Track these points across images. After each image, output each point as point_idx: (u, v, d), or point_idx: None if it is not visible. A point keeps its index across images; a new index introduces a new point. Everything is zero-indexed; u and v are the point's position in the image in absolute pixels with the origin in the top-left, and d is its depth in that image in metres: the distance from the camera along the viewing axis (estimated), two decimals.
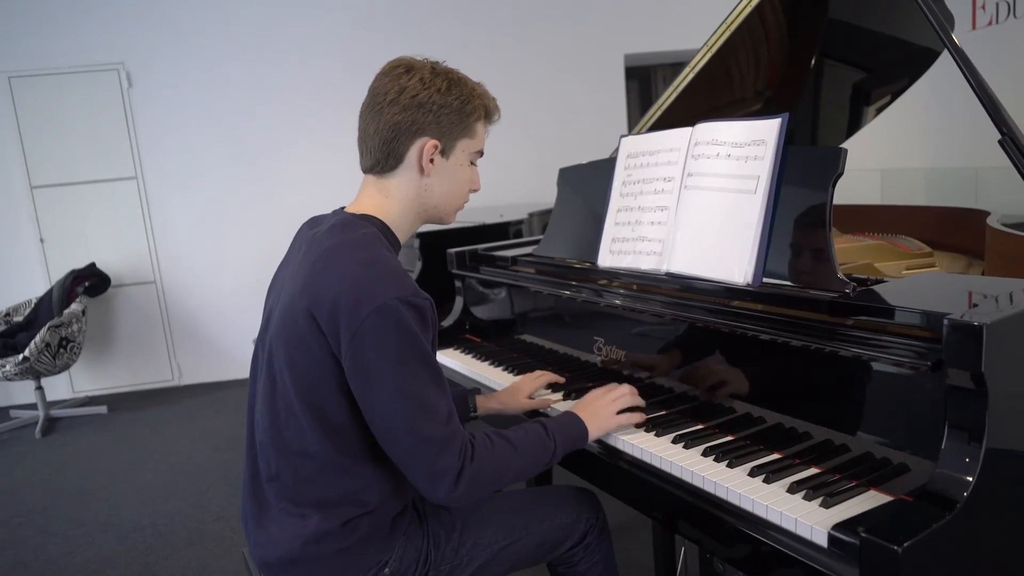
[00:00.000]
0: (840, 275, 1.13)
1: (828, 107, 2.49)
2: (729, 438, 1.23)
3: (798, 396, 1.17)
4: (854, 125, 2.47)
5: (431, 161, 1.17)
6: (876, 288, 1.15)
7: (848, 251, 1.86)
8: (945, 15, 1.62)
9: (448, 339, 2.11)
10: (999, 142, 1.26)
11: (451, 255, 2.15)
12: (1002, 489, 0.88)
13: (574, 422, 1.24)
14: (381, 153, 1.16)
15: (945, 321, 0.86)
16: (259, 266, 4.43)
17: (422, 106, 1.14)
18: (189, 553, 2.51)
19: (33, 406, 4.20)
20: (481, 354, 1.93)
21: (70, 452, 3.73)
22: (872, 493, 0.99)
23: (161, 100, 4.48)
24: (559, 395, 1.54)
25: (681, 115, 2.10)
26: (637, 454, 1.23)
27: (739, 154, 1.34)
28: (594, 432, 1.25)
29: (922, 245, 1.94)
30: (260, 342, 1.19)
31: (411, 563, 1.16)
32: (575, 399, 1.54)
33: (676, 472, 1.15)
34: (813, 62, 2.35)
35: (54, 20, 4.31)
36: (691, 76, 1.93)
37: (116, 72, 4.40)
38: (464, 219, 3.15)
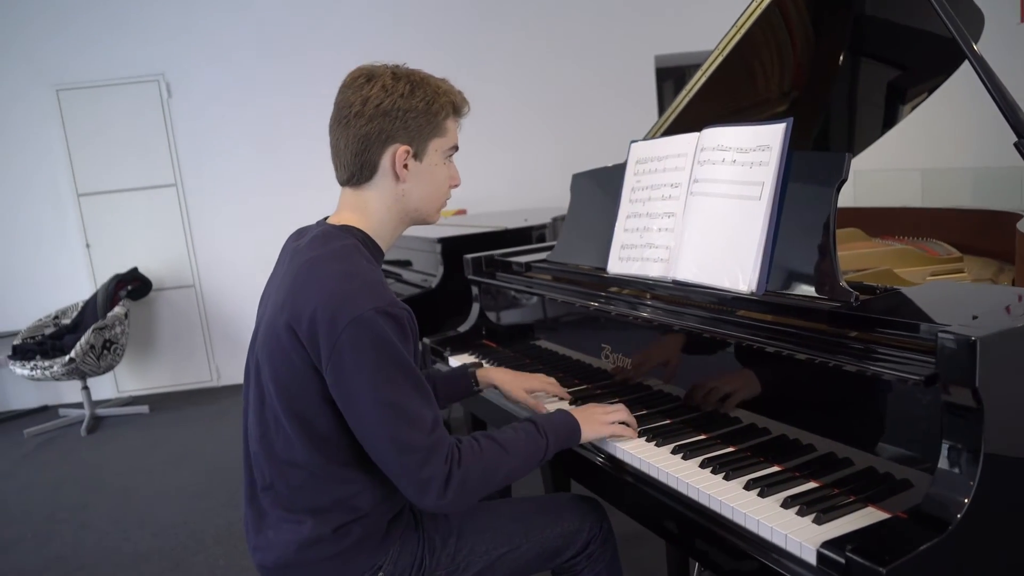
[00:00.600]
0: (843, 284, 1.10)
1: (862, 106, 2.42)
2: (730, 449, 1.21)
3: (800, 408, 1.15)
4: (889, 123, 2.39)
5: (405, 167, 1.17)
6: (883, 297, 1.12)
7: (869, 256, 1.81)
8: (968, 16, 1.56)
9: (464, 344, 2.12)
10: (1015, 144, 1.22)
11: (467, 261, 2.16)
12: (999, 510, 0.85)
13: (567, 419, 1.24)
14: (354, 166, 1.18)
15: (939, 334, 0.84)
16: None
17: (387, 114, 1.14)
18: (216, 551, 2.58)
19: (80, 405, 4.36)
20: (493, 359, 1.94)
21: (112, 450, 3.86)
22: (870, 510, 0.96)
23: (199, 109, 4.60)
24: (555, 406, 1.54)
25: (700, 118, 2.07)
26: (636, 464, 1.22)
27: (744, 160, 1.32)
28: (587, 432, 1.25)
29: (951, 249, 1.88)
30: (250, 354, 1.21)
31: (405, 568, 1.17)
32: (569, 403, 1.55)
33: (672, 483, 1.13)
34: (841, 60, 2.29)
35: (98, 35, 4.47)
36: (704, 79, 1.90)
37: (157, 83, 4.55)
38: (487, 223, 3.17)
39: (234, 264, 4.79)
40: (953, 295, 1.16)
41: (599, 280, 1.63)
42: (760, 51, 2.19)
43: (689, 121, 2.06)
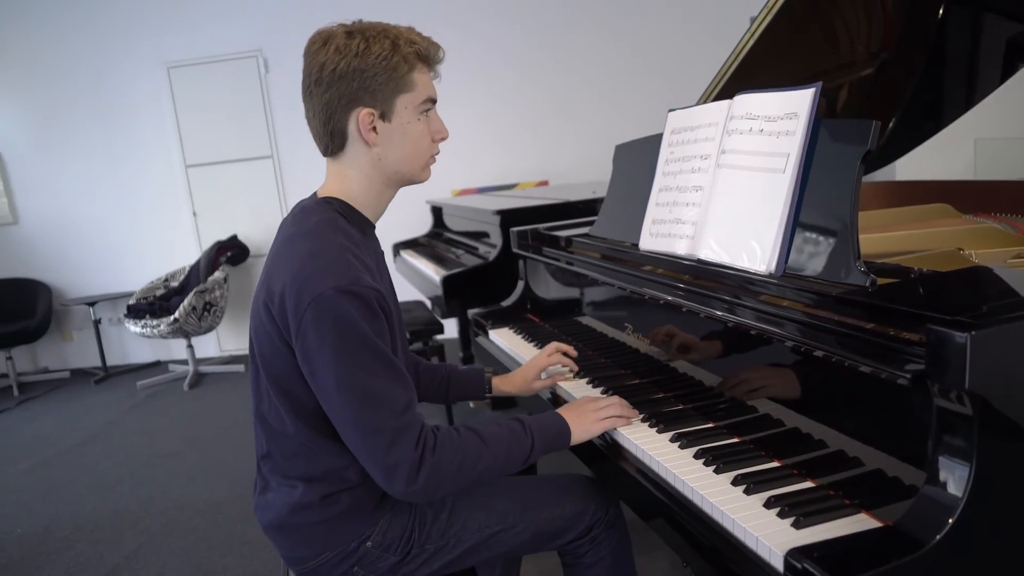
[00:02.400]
0: (858, 266, 0.99)
1: (967, 66, 2.16)
2: (733, 440, 1.13)
3: (814, 400, 1.05)
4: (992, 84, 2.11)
5: (373, 130, 1.12)
6: (908, 283, 1.00)
7: (939, 236, 1.63)
8: None
9: (507, 318, 2.11)
10: None
11: (513, 234, 2.13)
12: (988, 533, 0.74)
13: (556, 421, 1.20)
14: (326, 136, 1.14)
15: (929, 328, 0.74)
16: (384, 238, 4.65)
17: (344, 77, 1.08)
18: None
19: (185, 362, 4.73)
20: (528, 334, 1.91)
21: (208, 404, 4.17)
22: (862, 517, 0.88)
23: (293, 84, 4.77)
24: (570, 375, 1.52)
25: (767, 83, 1.93)
26: (631, 448, 1.18)
27: (772, 129, 1.21)
28: (577, 433, 1.20)
29: None
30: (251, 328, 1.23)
31: (394, 539, 1.18)
32: (585, 379, 1.51)
33: (660, 472, 1.08)
34: (941, 13, 2.05)
35: (203, 14, 4.73)
36: (755, 37, 1.74)
37: (255, 59, 4.77)
38: (555, 196, 3.11)
39: None
40: (999, 283, 1.02)
41: (630, 257, 1.56)
42: (842, 5, 2.00)
43: (753, 84, 1.92)
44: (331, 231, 1.10)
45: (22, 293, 4.97)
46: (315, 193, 1.23)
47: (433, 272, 3.03)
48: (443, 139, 1.23)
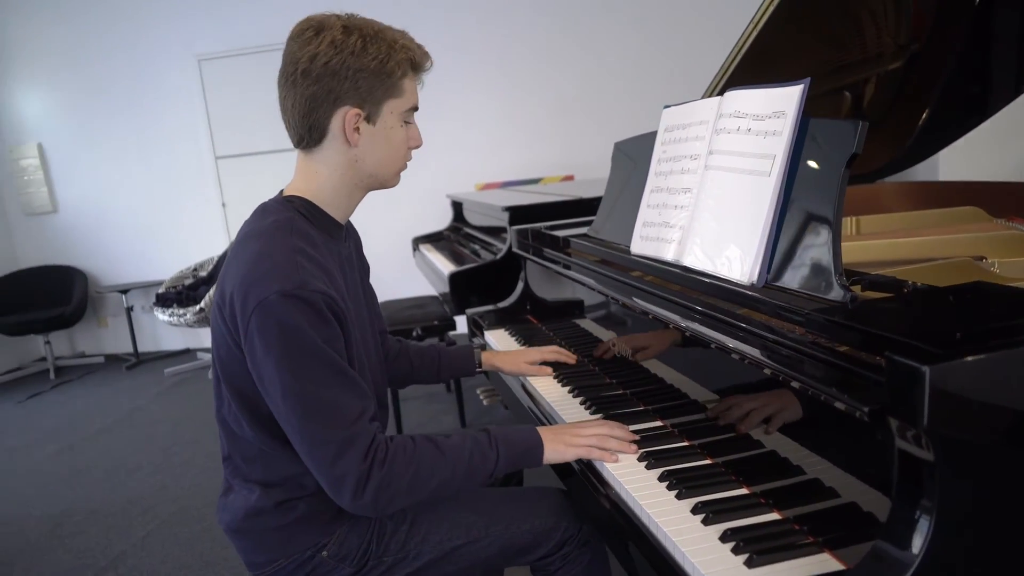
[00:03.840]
0: (837, 280, 0.91)
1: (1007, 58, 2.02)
2: (705, 462, 1.06)
3: (794, 421, 0.98)
4: None
5: (356, 130, 1.08)
6: (895, 300, 0.91)
7: (958, 242, 1.52)
8: None
9: (506, 319, 2.06)
10: None
11: (512, 233, 2.08)
12: None
13: (528, 436, 1.13)
14: (302, 128, 1.09)
15: (887, 357, 0.66)
16: (404, 231, 4.65)
17: (336, 73, 1.04)
18: None
19: (210, 350, 4.80)
20: (523, 337, 1.86)
21: None
22: (824, 557, 0.81)
23: None
24: (551, 371, 1.49)
25: (786, 74, 1.83)
26: (597, 467, 1.11)
27: (759, 128, 1.13)
28: (549, 452, 1.13)
29: None
30: None
31: (351, 550, 1.14)
32: (564, 384, 1.46)
33: (621, 494, 1.01)
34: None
35: (234, 7, 4.77)
36: (761, 24, 1.64)
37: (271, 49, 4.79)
38: (566, 192, 3.04)
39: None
40: (997, 302, 0.92)
41: (621, 261, 1.50)
42: None
43: (767, 77, 1.82)
44: (284, 233, 1.06)
45: (60, 279, 5.12)
46: (281, 191, 1.19)
47: (443, 268, 2.99)
48: (417, 147, 1.20)
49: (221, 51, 4.83)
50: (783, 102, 1.08)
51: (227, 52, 4.83)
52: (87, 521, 2.72)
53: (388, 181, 1.18)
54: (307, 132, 1.10)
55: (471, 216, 3.75)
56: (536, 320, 2.03)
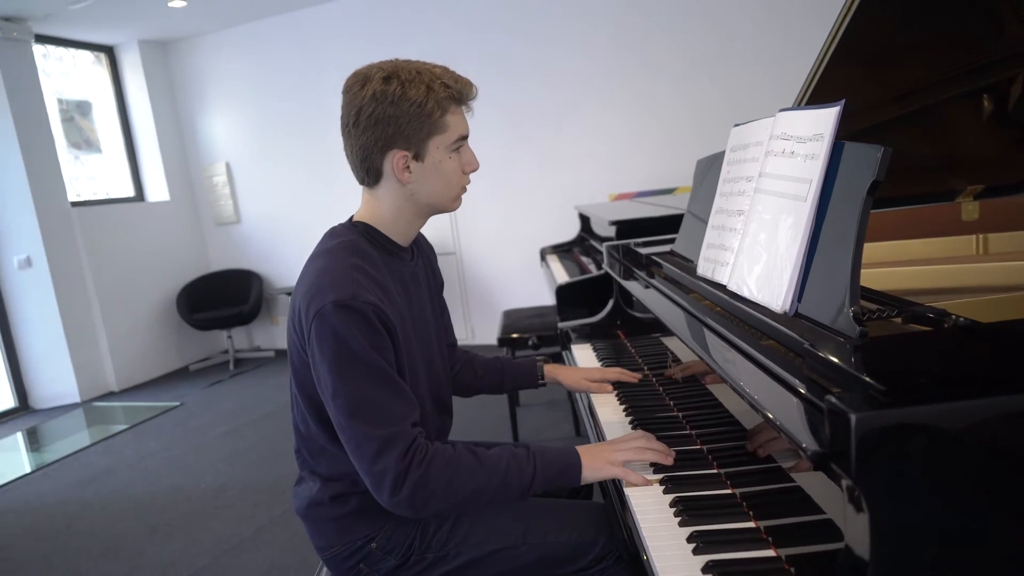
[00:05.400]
0: (849, 312, 0.87)
1: None
2: (725, 492, 1.05)
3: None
4: None
5: (407, 170, 1.19)
6: (912, 337, 0.86)
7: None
8: None
9: (596, 333, 2.09)
10: None
11: (606, 249, 2.10)
12: None
13: (566, 454, 1.17)
14: (362, 171, 1.22)
15: (826, 400, 0.64)
16: (537, 241, 4.79)
17: (379, 122, 1.15)
18: None
19: None
20: (605, 356, 1.88)
21: None
22: None
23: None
24: (611, 388, 1.51)
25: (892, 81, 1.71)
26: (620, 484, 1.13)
27: (801, 151, 1.10)
28: (587, 471, 1.16)
29: None
30: None
31: (398, 544, 1.25)
32: (621, 403, 1.47)
33: (633, 512, 1.03)
34: None
35: (380, 28, 5.17)
36: (848, 20, 1.53)
37: None
38: (678, 205, 2.98)
39: (489, 234, 5.23)
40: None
41: (686, 281, 1.49)
42: None
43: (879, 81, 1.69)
44: (346, 252, 1.19)
45: (240, 282, 5.83)
46: (351, 217, 1.33)
47: (558, 278, 3.06)
48: (474, 170, 1.28)
49: None
50: (822, 124, 1.05)
51: None
52: (239, 495, 3.11)
53: (447, 207, 1.28)
54: (366, 174, 1.23)
55: (596, 227, 3.78)
56: (624, 336, 2.04)
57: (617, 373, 1.59)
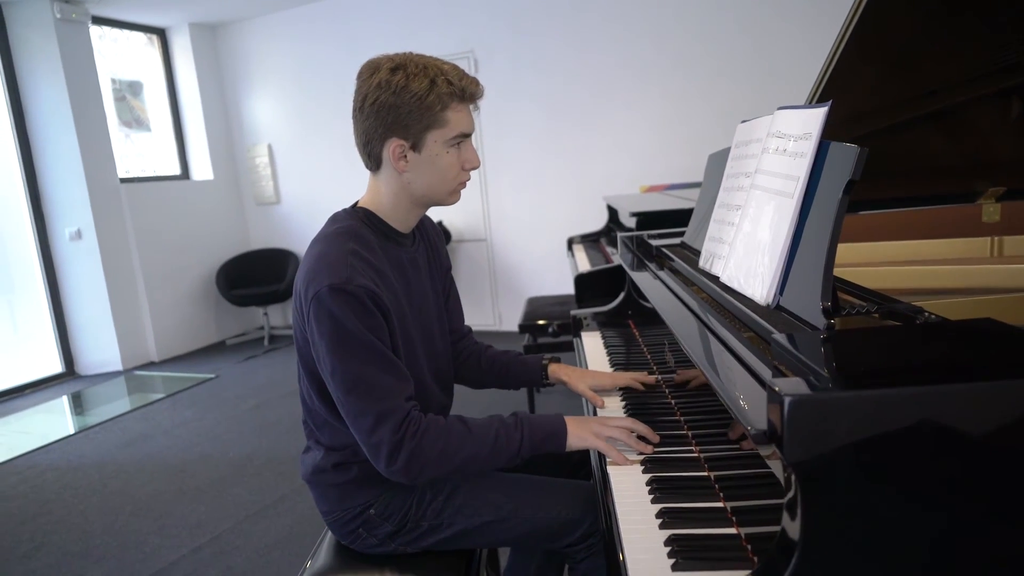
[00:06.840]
0: (821, 306, 0.91)
1: None
2: (701, 474, 1.09)
3: None
4: None
5: (404, 159, 1.24)
6: (876, 331, 0.89)
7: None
8: None
9: (608, 322, 2.13)
10: None
11: (620, 239, 2.14)
12: None
13: (553, 421, 1.23)
14: (365, 156, 1.29)
15: (767, 384, 0.68)
16: (567, 230, 4.82)
17: (381, 110, 1.20)
18: None
19: None
20: (613, 347, 1.92)
21: None
22: None
23: (500, 82, 5.11)
24: (618, 397, 1.51)
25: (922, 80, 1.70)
26: (606, 472, 1.17)
27: (793, 149, 1.13)
28: (573, 439, 1.22)
29: None
30: None
31: (395, 511, 1.32)
32: (622, 399, 1.50)
33: (611, 487, 1.08)
34: None
35: (422, 18, 5.24)
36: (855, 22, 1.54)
37: (468, 58, 5.16)
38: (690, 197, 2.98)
39: (519, 222, 5.28)
40: (993, 342, 0.86)
41: (690, 273, 1.52)
42: None
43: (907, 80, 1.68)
44: (343, 237, 1.25)
45: (278, 261, 6.00)
46: (356, 202, 1.39)
47: (580, 268, 3.10)
48: (474, 168, 1.31)
49: None
50: (811, 123, 1.07)
51: None
52: (264, 466, 3.24)
53: (442, 200, 1.32)
54: (368, 159, 1.30)
55: (622, 218, 3.80)
56: (635, 325, 2.08)
57: (627, 379, 1.55)
